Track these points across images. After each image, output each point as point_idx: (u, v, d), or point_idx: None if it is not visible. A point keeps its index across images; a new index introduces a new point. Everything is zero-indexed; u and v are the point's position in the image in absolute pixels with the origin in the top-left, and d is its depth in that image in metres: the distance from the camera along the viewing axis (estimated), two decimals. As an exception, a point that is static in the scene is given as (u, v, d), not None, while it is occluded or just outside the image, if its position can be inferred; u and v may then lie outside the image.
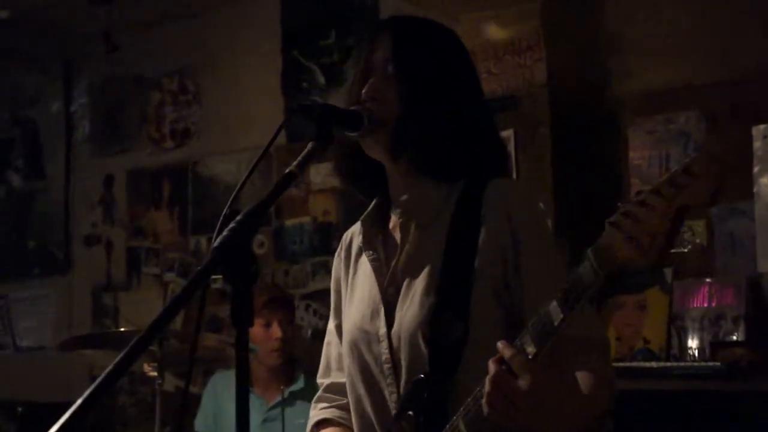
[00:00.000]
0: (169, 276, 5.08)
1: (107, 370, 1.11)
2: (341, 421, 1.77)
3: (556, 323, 1.31)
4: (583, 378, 1.49)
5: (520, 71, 3.73)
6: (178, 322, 4.43)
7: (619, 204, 1.22)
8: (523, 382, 1.33)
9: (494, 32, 3.77)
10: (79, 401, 1.09)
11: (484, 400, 1.38)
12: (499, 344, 1.37)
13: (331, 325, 1.82)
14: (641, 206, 1.19)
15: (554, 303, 1.32)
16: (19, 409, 4.71)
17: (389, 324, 1.61)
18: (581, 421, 1.48)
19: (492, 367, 1.36)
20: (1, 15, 4.83)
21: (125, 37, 4.98)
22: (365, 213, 1.73)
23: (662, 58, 3.69)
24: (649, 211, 1.19)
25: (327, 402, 1.82)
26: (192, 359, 1.18)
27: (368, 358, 1.63)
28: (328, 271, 1.86)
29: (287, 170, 1.37)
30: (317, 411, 1.82)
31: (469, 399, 1.45)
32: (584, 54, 3.83)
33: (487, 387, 1.36)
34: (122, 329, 4.16)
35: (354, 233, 1.78)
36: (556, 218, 3.50)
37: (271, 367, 3.49)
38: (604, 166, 3.77)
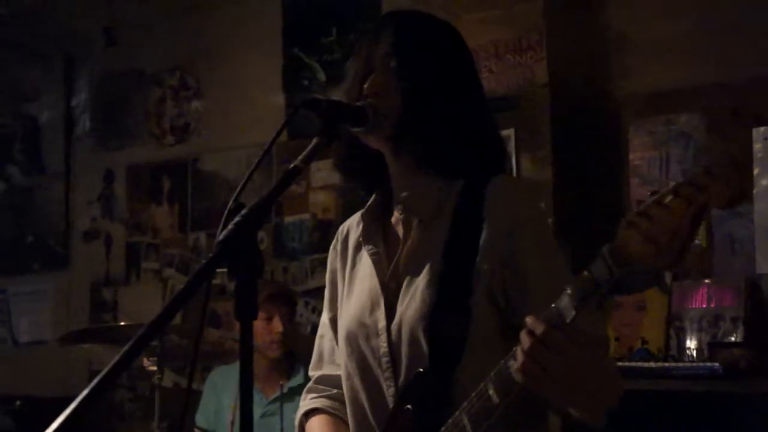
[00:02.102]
0: (169, 272, 5.08)
1: (111, 363, 1.11)
2: (331, 410, 1.78)
3: (568, 320, 1.31)
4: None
5: (521, 71, 3.74)
6: (177, 317, 4.44)
7: (634, 205, 1.22)
8: (562, 355, 1.32)
9: (495, 31, 3.77)
10: (83, 393, 1.08)
11: (518, 369, 1.35)
12: (528, 319, 1.35)
13: (324, 317, 1.82)
14: (659, 206, 1.19)
15: (566, 300, 1.31)
16: (18, 403, 4.71)
17: (389, 318, 1.61)
18: (607, 401, 1.46)
19: (526, 339, 1.34)
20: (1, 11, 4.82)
21: (126, 31, 4.99)
22: (365, 207, 1.73)
23: (663, 59, 3.70)
24: (666, 212, 1.18)
25: (317, 393, 1.83)
26: (196, 353, 1.18)
27: (366, 351, 1.63)
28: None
29: (292, 165, 1.37)
30: (307, 401, 1.83)
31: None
32: (585, 54, 3.84)
33: (520, 358, 1.34)
34: (121, 324, 4.16)
35: (351, 226, 1.78)
36: (556, 218, 3.50)
37: (271, 361, 3.50)
38: (605, 166, 3.77)
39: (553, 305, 1.34)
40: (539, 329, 1.33)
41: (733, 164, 1.17)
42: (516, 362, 1.36)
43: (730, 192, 1.16)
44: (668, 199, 1.19)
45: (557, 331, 1.32)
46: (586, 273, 1.29)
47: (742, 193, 1.17)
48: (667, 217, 1.18)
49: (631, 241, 1.22)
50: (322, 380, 1.82)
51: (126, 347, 1.12)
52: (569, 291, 1.32)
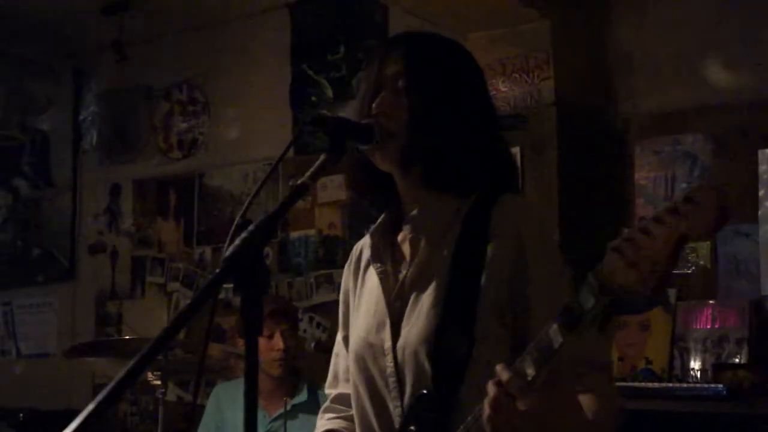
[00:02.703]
0: (174, 286, 5.09)
1: (118, 377, 1.11)
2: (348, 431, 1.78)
3: (556, 346, 1.31)
4: (586, 400, 1.49)
5: (528, 89, 3.75)
6: (181, 332, 4.45)
7: (624, 229, 1.22)
8: (521, 405, 1.33)
9: (503, 50, 3.79)
10: (90, 406, 1.08)
11: (485, 422, 1.38)
12: (498, 367, 1.37)
13: (339, 336, 1.82)
14: (643, 233, 1.19)
15: (555, 326, 1.31)
16: (21, 415, 4.71)
17: (395, 337, 1.61)
18: None
19: (491, 389, 1.36)
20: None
21: (136, 47, 5.01)
22: (374, 225, 1.74)
23: (670, 80, 3.71)
24: (649, 238, 1.18)
25: (334, 413, 1.82)
26: (201, 369, 1.19)
27: (373, 370, 1.63)
28: (332, 284, 1.87)
29: (300, 181, 1.38)
30: (324, 421, 1.82)
31: (469, 417, 1.45)
32: (592, 74, 3.85)
33: (486, 410, 1.37)
34: (126, 337, 4.17)
35: (364, 245, 1.78)
36: (561, 236, 3.50)
37: (274, 378, 3.49)
38: (610, 185, 3.78)
39: (542, 331, 1.34)
40: (504, 376, 1.34)
41: (715, 190, 1.15)
42: (484, 412, 1.38)
43: (712, 219, 1.14)
44: (652, 225, 1.18)
45: (521, 380, 1.33)
46: (573, 299, 1.29)
47: (722, 221, 1.14)
48: (649, 243, 1.18)
49: (614, 267, 1.21)
50: (339, 399, 1.82)
51: (133, 362, 1.12)
52: (558, 317, 1.32)
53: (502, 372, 1.35)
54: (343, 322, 1.80)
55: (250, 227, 1.25)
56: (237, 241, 1.24)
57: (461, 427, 1.47)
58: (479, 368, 1.52)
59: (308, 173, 1.39)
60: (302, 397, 3.48)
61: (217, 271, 1.22)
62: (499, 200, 1.60)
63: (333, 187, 4.46)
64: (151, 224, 5.25)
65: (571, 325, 1.29)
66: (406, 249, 1.68)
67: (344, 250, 4.34)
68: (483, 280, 1.55)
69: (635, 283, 1.20)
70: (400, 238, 1.71)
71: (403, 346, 1.59)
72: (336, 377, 1.83)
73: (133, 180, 5.35)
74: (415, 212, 1.66)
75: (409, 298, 1.62)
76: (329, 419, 1.82)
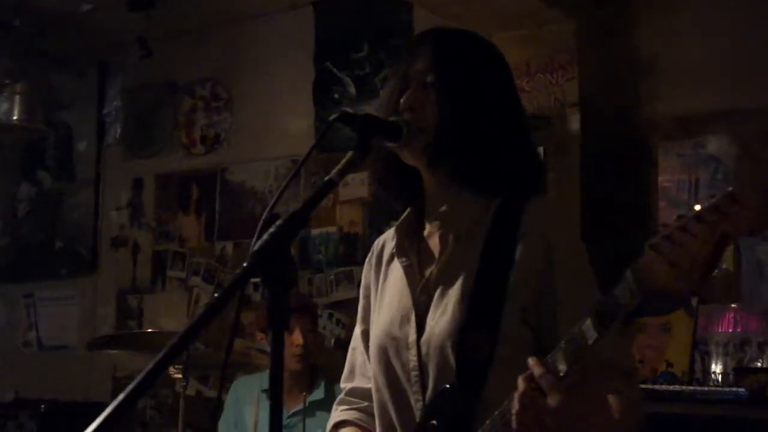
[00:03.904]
0: (195, 280, 5.11)
1: (148, 366, 1.12)
2: (361, 423, 1.78)
3: (590, 342, 1.31)
4: (613, 400, 1.49)
5: (552, 90, 3.75)
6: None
7: (659, 227, 1.21)
8: (552, 401, 1.33)
9: (527, 50, 3.79)
10: (117, 400, 1.09)
11: (513, 417, 1.38)
12: (530, 361, 1.37)
13: (357, 330, 1.83)
14: (683, 231, 1.18)
15: (588, 322, 1.31)
16: (42, 406, 4.76)
17: (419, 331, 1.61)
18: None
19: (521, 384, 1.36)
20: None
21: (160, 42, 5.04)
22: (399, 221, 1.73)
23: (694, 83, 3.69)
24: (690, 237, 1.17)
25: (348, 405, 1.83)
26: (226, 364, 1.20)
27: (396, 364, 1.64)
28: (352, 282, 1.88)
29: (327, 178, 1.38)
30: (338, 413, 1.84)
31: (495, 413, 1.45)
32: (616, 76, 3.84)
33: (515, 405, 1.36)
34: (149, 331, 4.19)
35: (386, 240, 1.79)
36: (584, 238, 3.49)
37: (292, 373, 3.50)
38: (633, 187, 3.77)
39: (575, 327, 1.34)
40: (537, 371, 1.34)
41: (760, 189, 1.13)
42: (513, 407, 1.38)
43: (755, 218, 1.13)
44: (692, 224, 1.17)
45: (552, 375, 1.33)
46: (609, 295, 1.29)
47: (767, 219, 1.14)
48: (690, 241, 1.17)
49: (654, 264, 1.21)
50: (353, 392, 1.83)
51: (160, 355, 1.13)
52: (593, 313, 1.31)
53: (534, 366, 1.35)
54: (362, 316, 1.81)
55: (278, 222, 1.26)
56: (265, 236, 1.25)
57: (487, 422, 1.47)
58: (503, 366, 1.52)
59: (336, 170, 1.40)
60: (319, 393, 3.49)
61: (245, 265, 1.23)
62: (530, 202, 1.61)
63: (354, 185, 4.47)
64: (172, 219, 5.27)
65: (606, 321, 1.29)
66: (432, 244, 1.68)
67: (364, 248, 4.35)
68: (510, 279, 1.55)
69: (675, 282, 1.19)
70: (425, 233, 1.71)
71: (428, 340, 1.59)
72: (352, 371, 1.83)
73: (155, 174, 5.38)
74: (444, 208, 1.65)
75: (434, 293, 1.62)
76: (343, 410, 1.83)
